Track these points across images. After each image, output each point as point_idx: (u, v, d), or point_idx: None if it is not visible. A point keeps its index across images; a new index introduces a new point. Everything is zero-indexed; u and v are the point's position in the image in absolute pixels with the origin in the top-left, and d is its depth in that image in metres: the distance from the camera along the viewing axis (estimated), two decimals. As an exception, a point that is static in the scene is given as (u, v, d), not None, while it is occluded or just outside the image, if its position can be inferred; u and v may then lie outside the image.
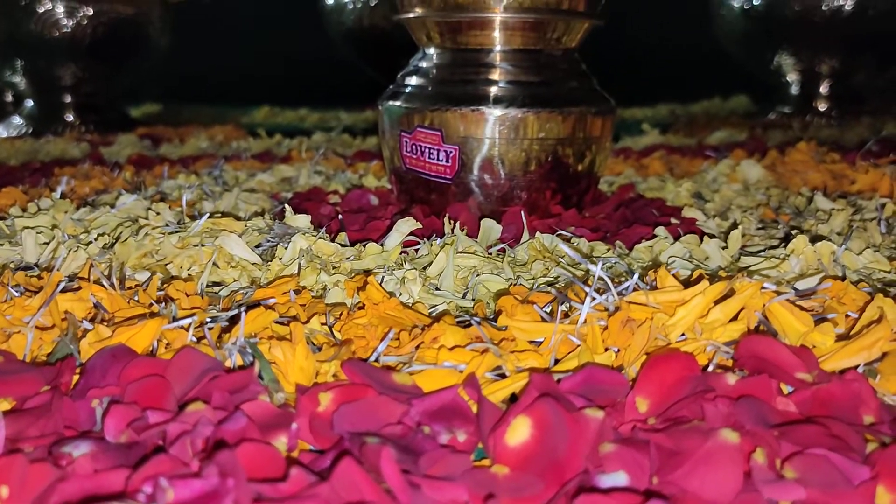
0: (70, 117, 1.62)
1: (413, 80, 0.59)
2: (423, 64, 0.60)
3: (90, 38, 1.53)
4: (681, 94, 2.32)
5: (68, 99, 1.63)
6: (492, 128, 0.55)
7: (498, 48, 0.57)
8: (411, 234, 0.50)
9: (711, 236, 0.49)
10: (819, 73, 1.53)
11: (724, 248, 0.45)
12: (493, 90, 0.56)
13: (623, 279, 0.41)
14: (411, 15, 0.59)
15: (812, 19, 1.44)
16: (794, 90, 1.58)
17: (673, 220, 0.57)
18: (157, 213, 0.49)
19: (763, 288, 0.30)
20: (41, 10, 1.49)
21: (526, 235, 0.50)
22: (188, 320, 0.30)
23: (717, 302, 0.30)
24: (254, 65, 2.67)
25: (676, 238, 0.49)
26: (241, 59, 2.68)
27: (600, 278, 0.32)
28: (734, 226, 0.56)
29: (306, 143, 1.14)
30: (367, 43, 1.39)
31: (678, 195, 0.68)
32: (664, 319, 0.29)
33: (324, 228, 0.50)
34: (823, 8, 1.42)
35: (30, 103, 1.60)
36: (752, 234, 0.54)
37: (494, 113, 0.55)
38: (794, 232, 0.51)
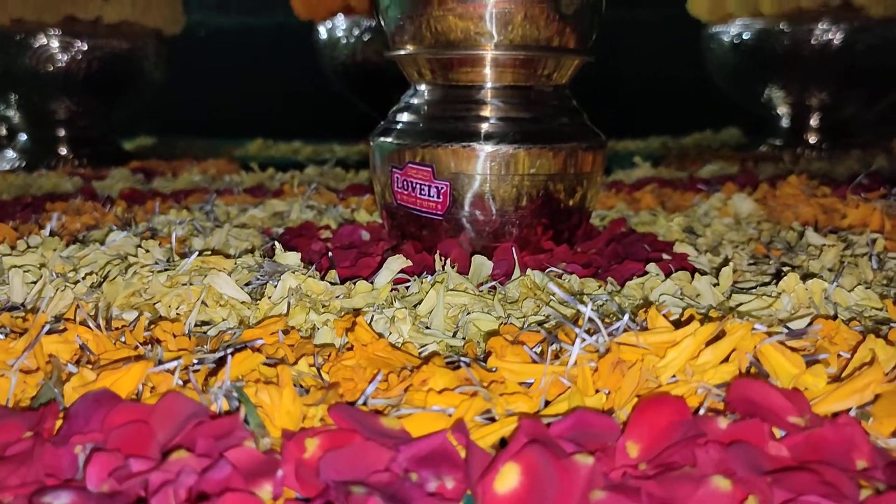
0: (64, 151, 1.62)
1: (404, 117, 0.60)
2: (414, 100, 0.60)
3: (85, 73, 1.54)
4: (673, 127, 2.34)
5: (62, 133, 1.63)
6: (483, 164, 0.55)
7: (489, 85, 0.57)
8: (402, 270, 0.50)
9: (703, 273, 0.49)
10: (809, 106, 1.54)
11: (715, 286, 0.45)
12: (484, 127, 0.56)
13: (614, 318, 0.40)
14: (402, 52, 0.59)
15: (801, 53, 1.45)
16: (785, 123, 1.59)
17: (664, 256, 0.57)
18: (147, 251, 0.49)
19: (754, 329, 0.30)
20: (36, 45, 1.49)
21: (517, 272, 0.50)
22: (174, 363, 0.29)
23: (708, 343, 0.30)
24: (248, 98, 2.69)
25: (668, 275, 0.49)
26: (235, 92, 2.70)
27: (591, 319, 0.32)
28: (726, 261, 0.56)
29: (299, 177, 1.14)
30: (360, 78, 1.40)
31: (669, 230, 0.68)
32: (655, 361, 0.29)
33: (314, 266, 0.50)
34: (813, 42, 1.44)
35: (23, 137, 1.60)
36: (743, 270, 0.54)
37: (485, 149, 0.55)
38: (785, 269, 0.51)
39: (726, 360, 0.30)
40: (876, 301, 0.43)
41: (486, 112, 0.57)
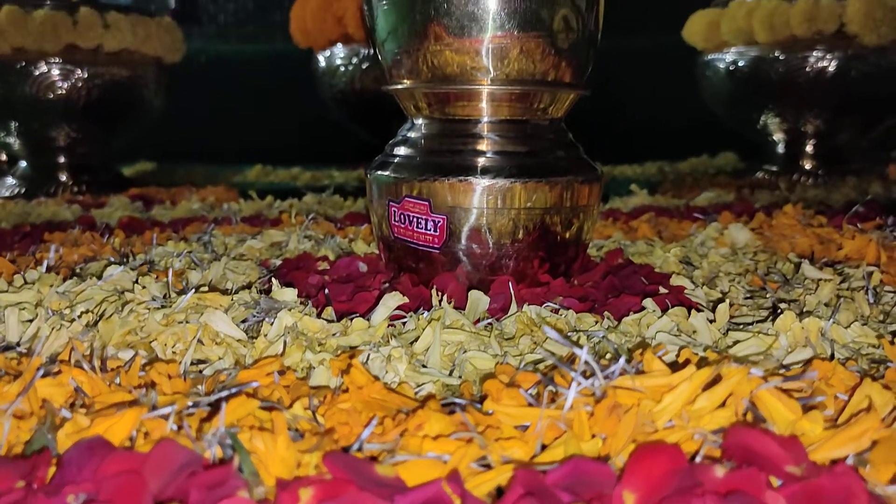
0: (63, 177, 1.62)
1: (401, 150, 0.60)
2: (411, 134, 0.60)
3: (85, 101, 1.55)
4: (669, 152, 2.35)
5: (62, 159, 1.64)
6: (479, 198, 0.56)
7: (485, 119, 0.57)
8: (399, 306, 0.50)
9: (699, 309, 0.49)
10: (804, 132, 1.55)
11: (711, 322, 0.45)
12: (481, 161, 0.56)
13: (610, 357, 0.40)
14: (399, 86, 0.59)
15: (796, 81, 1.46)
16: (780, 149, 1.60)
17: (661, 290, 0.57)
18: (143, 287, 0.49)
19: (750, 373, 0.30)
20: (37, 73, 1.50)
21: (514, 307, 0.50)
22: (168, 409, 0.29)
23: (704, 387, 0.30)
24: (247, 124, 2.70)
25: (664, 310, 0.49)
26: (234, 118, 2.71)
27: (587, 361, 0.32)
28: (723, 296, 0.56)
29: (297, 205, 1.14)
30: (359, 106, 1.41)
31: (666, 261, 0.68)
32: (651, 406, 0.29)
33: (310, 302, 0.50)
34: (807, 70, 1.45)
35: (23, 164, 1.61)
36: (739, 304, 0.54)
37: (482, 183, 0.55)
38: (781, 305, 0.51)
39: (723, 404, 0.30)
40: (872, 337, 0.43)
41: (483, 146, 0.57)
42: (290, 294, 0.48)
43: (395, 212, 0.59)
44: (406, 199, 0.57)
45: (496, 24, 0.54)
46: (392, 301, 0.45)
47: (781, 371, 0.37)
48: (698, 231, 0.84)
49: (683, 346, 0.39)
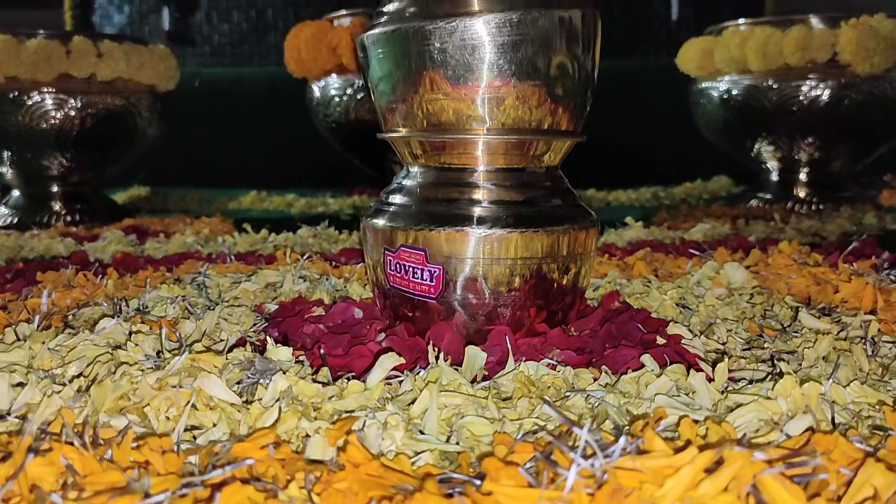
0: (57, 206, 1.62)
1: (396, 198, 0.60)
2: (407, 182, 0.60)
3: (78, 130, 1.55)
4: (663, 176, 2.35)
5: (55, 188, 1.63)
6: (476, 248, 0.55)
7: (481, 168, 0.57)
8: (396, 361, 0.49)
9: (698, 367, 0.48)
10: (798, 160, 1.55)
11: (710, 381, 0.44)
12: (477, 210, 0.56)
13: (608, 425, 0.40)
14: (394, 134, 0.59)
15: (789, 110, 1.47)
16: (774, 177, 1.60)
17: (659, 340, 0.56)
18: (136, 345, 0.48)
19: (753, 457, 0.30)
20: (30, 102, 1.50)
21: (511, 363, 0.50)
22: (161, 497, 0.29)
23: (707, 469, 0.29)
24: (242, 146, 2.70)
25: (663, 365, 0.49)
26: (229, 140, 2.71)
27: (587, 441, 0.32)
28: (721, 346, 0.56)
29: (292, 238, 1.14)
30: (354, 136, 1.41)
31: (663, 304, 0.68)
32: (653, 490, 0.29)
33: (305, 357, 0.50)
34: (800, 99, 1.45)
35: (16, 193, 1.60)
36: (738, 356, 0.53)
37: (478, 233, 0.55)
38: (779, 360, 0.51)
39: (725, 489, 0.29)
40: (872, 395, 0.43)
41: (479, 195, 0.57)
42: (284, 353, 0.48)
43: (390, 261, 0.58)
44: (402, 248, 0.57)
45: (492, 73, 0.54)
46: (388, 362, 0.45)
47: (783, 439, 0.36)
48: (694, 269, 0.84)
49: (683, 414, 0.39)
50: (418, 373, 0.46)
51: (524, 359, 0.51)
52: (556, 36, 0.55)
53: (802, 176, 1.56)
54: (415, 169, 0.60)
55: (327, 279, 0.79)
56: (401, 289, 0.58)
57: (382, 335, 0.59)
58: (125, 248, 1.13)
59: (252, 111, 2.61)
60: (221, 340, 0.57)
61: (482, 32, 0.54)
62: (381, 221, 0.59)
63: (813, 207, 1.51)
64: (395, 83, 0.57)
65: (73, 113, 1.53)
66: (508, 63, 0.54)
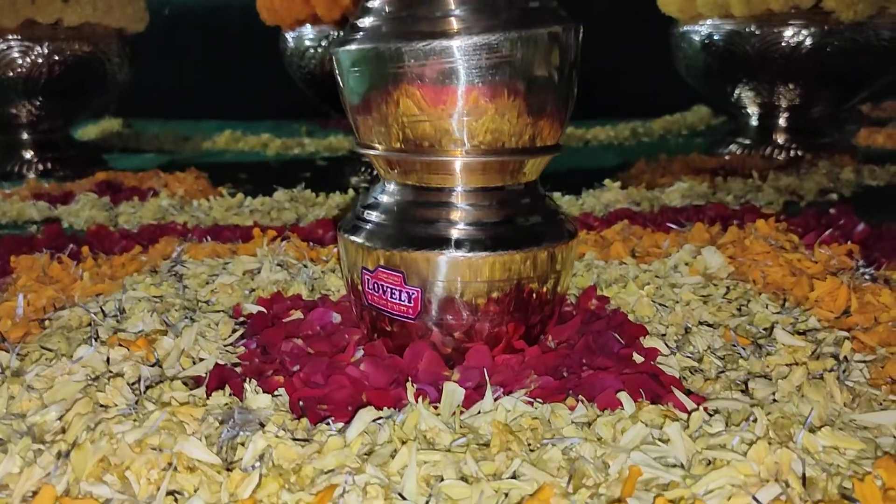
0: (28, 155, 1.59)
1: (373, 216, 0.59)
2: (384, 198, 0.59)
3: (47, 77, 1.51)
4: (643, 107, 2.34)
5: (25, 136, 1.60)
6: (454, 271, 0.55)
7: (459, 188, 0.57)
8: (373, 402, 0.50)
9: (676, 403, 0.49)
10: (778, 106, 1.54)
11: (685, 429, 0.45)
12: (455, 233, 0.56)
13: (587, 481, 0.41)
14: (371, 151, 0.58)
15: (771, 56, 1.45)
16: (754, 122, 1.60)
17: (636, 356, 0.57)
18: (115, 388, 0.48)
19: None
20: (-6, 50, 1.45)
21: (489, 397, 0.50)
22: None
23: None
24: (215, 76, 2.64)
25: (638, 399, 0.49)
26: (202, 70, 2.65)
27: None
28: (697, 363, 0.57)
29: (268, 203, 1.13)
30: (330, 87, 1.38)
31: (640, 302, 0.68)
32: None
33: (284, 397, 0.50)
34: (782, 45, 1.43)
35: (-12, 142, 1.57)
36: (713, 379, 0.54)
37: (457, 256, 0.55)
38: (754, 389, 0.52)
39: None
40: (845, 440, 0.44)
41: (457, 216, 0.56)
42: (264, 400, 0.48)
43: (368, 279, 0.58)
44: (380, 269, 0.57)
45: (470, 94, 0.53)
46: (366, 416, 0.45)
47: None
48: (672, 250, 0.84)
49: (656, 475, 0.40)
50: (395, 416, 0.47)
51: (501, 391, 0.52)
52: (536, 56, 0.53)
53: (782, 121, 1.55)
54: (391, 186, 0.59)
55: (305, 266, 0.79)
56: (379, 307, 0.58)
57: (361, 351, 0.59)
58: (98, 211, 1.12)
59: (224, 40, 2.54)
60: (202, 359, 0.57)
61: (459, 55, 0.52)
62: (358, 239, 0.58)
63: (791, 153, 1.51)
64: (370, 101, 0.56)
65: (40, 60, 1.49)
66: (487, 85, 0.53)
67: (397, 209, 0.58)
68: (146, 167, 1.57)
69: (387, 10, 0.55)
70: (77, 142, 1.81)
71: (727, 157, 1.50)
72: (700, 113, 2.32)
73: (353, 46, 0.55)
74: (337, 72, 0.58)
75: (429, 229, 0.56)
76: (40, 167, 1.56)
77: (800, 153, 1.49)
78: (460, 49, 0.52)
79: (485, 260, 0.55)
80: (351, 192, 1.18)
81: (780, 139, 1.54)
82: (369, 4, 0.57)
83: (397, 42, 0.53)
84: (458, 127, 0.54)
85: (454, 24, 0.53)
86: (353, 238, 0.59)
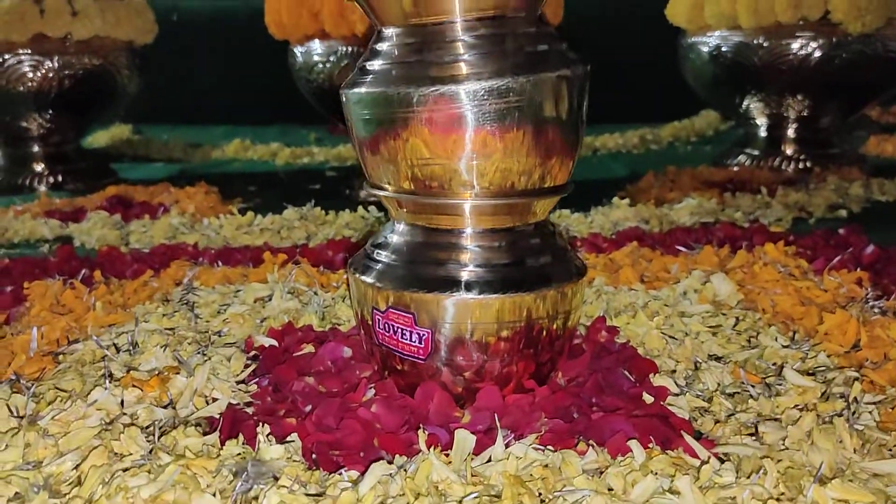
0: (39, 168, 1.60)
1: (383, 255, 0.59)
2: (394, 238, 0.60)
3: (57, 90, 1.52)
4: (651, 112, 2.33)
5: (36, 149, 1.61)
6: (464, 313, 0.55)
7: (469, 230, 0.57)
8: (384, 445, 0.51)
9: (686, 448, 0.49)
10: (786, 117, 1.54)
11: (696, 480, 0.46)
12: (465, 275, 0.56)
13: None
14: (381, 192, 0.58)
15: (779, 67, 1.45)
16: (762, 133, 1.59)
17: (646, 396, 0.57)
18: (130, 438, 0.49)
19: None
20: (5, 64, 1.46)
21: (500, 443, 0.50)
22: None
23: None
24: (222, 84, 2.64)
25: (648, 444, 0.50)
26: (209, 78, 2.65)
27: None
28: (707, 405, 0.57)
29: (278, 221, 1.13)
30: (339, 103, 1.38)
31: (649, 334, 0.69)
32: None
33: (297, 444, 0.51)
34: (790, 56, 1.43)
35: (-2, 155, 1.59)
36: (722, 422, 0.55)
37: (467, 298, 0.55)
38: (763, 433, 0.52)
39: None
40: (855, 494, 0.44)
41: (466, 258, 0.57)
42: (276, 451, 0.48)
43: (378, 319, 0.58)
44: (390, 310, 0.57)
45: (479, 138, 0.53)
46: (378, 470, 0.46)
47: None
48: (681, 275, 0.84)
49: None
50: (408, 467, 0.47)
51: (512, 436, 0.52)
52: (544, 99, 0.54)
53: (790, 132, 1.55)
54: (401, 226, 0.59)
55: (315, 294, 0.80)
56: (390, 347, 0.58)
57: (372, 391, 0.59)
58: (110, 230, 1.13)
59: (233, 45, 2.54)
60: (215, 399, 0.58)
61: (468, 100, 0.52)
62: (368, 279, 0.58)
63: (800, 165, 1.51)
64: (378, 143, 0.56)
65: (50, 74, 1.50)
66: (496, 129, 0.53)
67: (407, 249, 0.59)
68: (156, 177, 1.58)
69: (396, 53, 0.56)
70: (88, 153, 1.82)
71: (736, 169, 1.50)
72: (709, 118, 2.32)
73: (362, 89, 0.56)
74: (346, 112, 0.59)
75: (439, 270, 0.57)
76: (51, 180, 1.57)
77: (808, 164, 1.49)
78: (469, 94, 0.52)
79: (495, 301, 0.55)
80: (360, 209, 1.19)
81: (789, 150, 1.54)
82: (378, 47, 0.57)
83: (407, 87, 0.53)
84: (467, 170, 0.54)
85: (463, 68, 0.53)
86: (363, 278, 0.59)
